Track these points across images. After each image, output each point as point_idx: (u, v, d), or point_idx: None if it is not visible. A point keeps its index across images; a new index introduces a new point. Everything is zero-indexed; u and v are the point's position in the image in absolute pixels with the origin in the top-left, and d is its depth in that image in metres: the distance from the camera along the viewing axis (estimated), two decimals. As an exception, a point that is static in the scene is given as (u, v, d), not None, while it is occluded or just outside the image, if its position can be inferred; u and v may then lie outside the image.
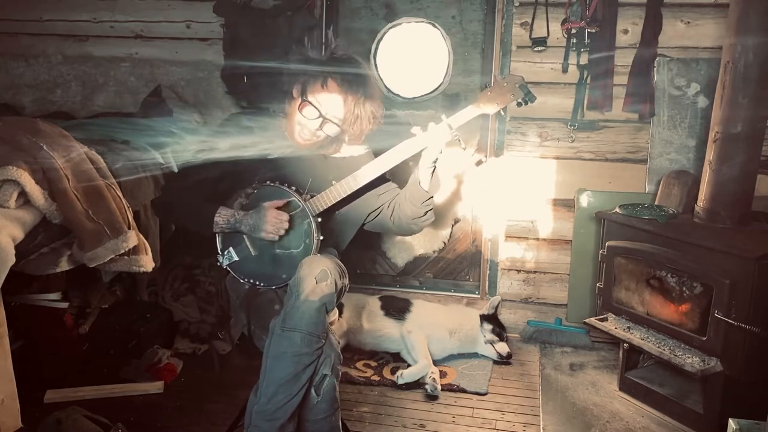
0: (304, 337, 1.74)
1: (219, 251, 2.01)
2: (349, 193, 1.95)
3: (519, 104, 1.96)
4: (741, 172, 2.26)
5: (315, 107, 1.90)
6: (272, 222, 1.89)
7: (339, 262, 1.95)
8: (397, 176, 2.22)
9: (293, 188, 1.95)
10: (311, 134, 1.95)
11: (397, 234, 2.53)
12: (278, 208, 1.92)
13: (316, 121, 1.92)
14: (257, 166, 1.98)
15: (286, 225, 1.90)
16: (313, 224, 1.91)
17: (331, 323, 1.90)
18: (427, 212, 2.03)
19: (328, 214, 2.02)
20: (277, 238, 1.91)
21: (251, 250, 1.98)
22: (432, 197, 2.01)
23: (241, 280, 2.00)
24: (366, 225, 2.17)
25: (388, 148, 1.95)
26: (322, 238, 1.93)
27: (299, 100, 1.92)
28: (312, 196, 1.95)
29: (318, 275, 1.77)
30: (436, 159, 1.94)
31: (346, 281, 1.92)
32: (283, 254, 1.95)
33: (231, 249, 2.00)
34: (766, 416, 1.62)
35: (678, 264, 2.28)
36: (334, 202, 1.95)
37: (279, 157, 1.99)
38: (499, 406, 2.47)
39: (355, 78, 1.90)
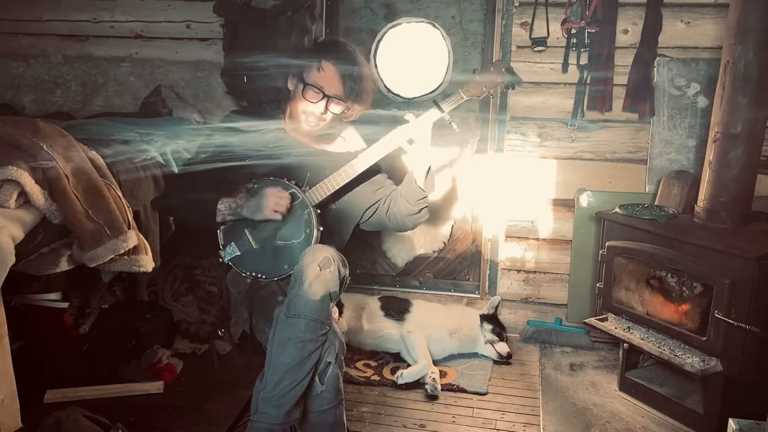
0: (309, 324, 1.75)
1: (221, 246, 2.03)
2: (346, 181, 2.00)
3: (506, 87, 2.01)
4: (741, 172, 2.26)
5: (317, 88, 1.98)
6: (273, 200, 1.93)
7: (340, 252, 1.97)
8: (395, 174, 2.23)
9: (293, 182, 2.00)
10: (317, 119, 2.03)
11: (393, 230, 2.62)
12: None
13: (320, 103, 2.00)
14: (257, 164, 2.00)
15: (286, 201, 1.94)
16: (313, 214, 1.95)
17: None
18: (421, 210, 2.08)
19: (327, 211, 2.04)
20: (280, 217, 1.94)
21: (253, 243, 2.00)
22: (426, 196, 2.06)
23: (243, 274, 2.02)
24: (363, 224, 2.19)
25: None
26: (322, 229, 1.95)
27: (300, 88, 2.00)
28: (311, 188, 1.99)
29: (321, 262, 1.79)
30: (430, 162, 2.01)
31: (347, 272, 1.93)
32: (284, 245, 1.98)
33: (233, 243, 2.02)
34: (766, 416, 1.62)
35: (678, 264, 2.28)
36: (332, 191, 2.00)
37: (278, 153, 2.02)
38: (499, 406, 2.47)
39: (346, 56, 1.99)
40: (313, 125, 2.04)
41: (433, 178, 2.08)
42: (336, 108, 2.02)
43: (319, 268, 1.78)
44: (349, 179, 2.00)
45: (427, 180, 2.04)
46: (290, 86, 2.05)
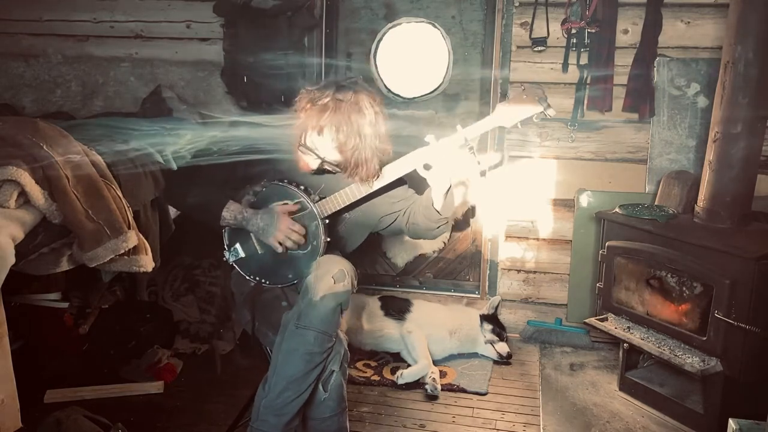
0: (318, 336, 1.74)
1: (225, 247, 2.01)
2: (359, 197, 1.94)
3: (538, 119, 1.87)
4: (741, 172, 2.26)
5: (313, 152, 1.88)
6: (284, 230, 1.87)
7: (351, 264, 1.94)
8: (416, 185, 2.18)
9: (302, 188, 1.94)
10: (313, 169, 1.95)
11: (413, 238, 2.52)
12: (290, 213, 1.91)
13: (316, 161, 1.91)
14: (269, 164, 1.97)
15: (296, 237, 1.88)
16: (321, 226, 1.91)
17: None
18: (440, 226, 2.02)
19: (338, 219, 2.01)
20: (281, 249, 1.90)
21: (258, 247, 1.98)
22: (445, 217, 1.98)
23: (247, 278, 2.00)
24: (382, 231, 2.15)
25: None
26: (329, 239, 1.93)
27: (297, 141, 1.91)
28: (321, 198, 1.94)
29: (336, 275, 1.78)
30: (450, 183, 1.92)
31: (356, 282, 1.92)
32: (290, 254, 1.95)
33: (237, 245, 1.99)
34: (766, 416, 1.62)
35: (678, 264, 2.28)
36: (343, 206, 1.94)
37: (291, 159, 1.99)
38: (499, 406, 2.47)
39: (352, 123, 1.81)
40: (313, 168, 1.95)
41: (452, 199, 1.98)
42: (331, 167, 1.91)
43: (333, 281, 1.77)
44: (362, 195, 1.93)
45: (446, 201, 1.95)
46: (298, 99, 1.91)
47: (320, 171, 1.97)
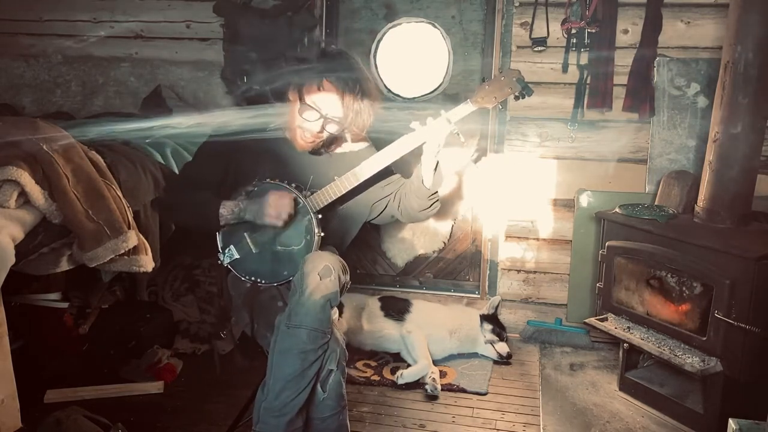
0: (310, 333, 1.74)
1: (220, 249, 2.02)
2: (349, 189, 1.96)
3: (516, 98, 1.95)
4: (741, 172, 2.26)
5: (315, 109, 1.90)
6: (274, 205, 1.89)
7: (340, 258, 1.95)
8: (400, 168, 2.21)
9: (293, 185, 1.96)
10: (314, 136, 1.96)
11: (406, 222, 2.56)
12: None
13: (317, 122, 1.92)
14: (258, 165, 1.99)
15: (287, 208, 1.89)
16: (314, 220, 1.92)
17: (332, 323, 1.90)
18: (433, 204, 2.06)
19: (331, 212, 2.03)
20: (280, 223, 1.90)
21: (252, 247, 1.98)
22: (436, 192, 2.03)
23: (243, 278, 2.00)
24: (374, 219, 2.17)
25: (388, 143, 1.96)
26: (323, 234, 1.94)
27: (298, 105, 1.93)
28: (312, 193, 1.96)
29: (321, 271, 1.78)
30: (437, 158, 1.95)
31: (348, 277, 1.92)
32: (284, 251, 1.95)
33: (232, 247, 2.00)
34: (766, 416, 1.62)
35: (678, 264, 2.28)
36: (334, 198, 1.96)
37: (279, 154, 2.00)
38: (499, 406, 2.47)
39: (349, 74, 1.90)
40: (309, 141, 1.97)
41: (441, 173, 2.02)
42: (333, 128, 1.93)
43: (320, 278, 1.77)
44: (352, 187, 1.95)
45: (435, 177, 1.99)
46: (290, 97, 1.97)
47: (315, 152, 2.01)
